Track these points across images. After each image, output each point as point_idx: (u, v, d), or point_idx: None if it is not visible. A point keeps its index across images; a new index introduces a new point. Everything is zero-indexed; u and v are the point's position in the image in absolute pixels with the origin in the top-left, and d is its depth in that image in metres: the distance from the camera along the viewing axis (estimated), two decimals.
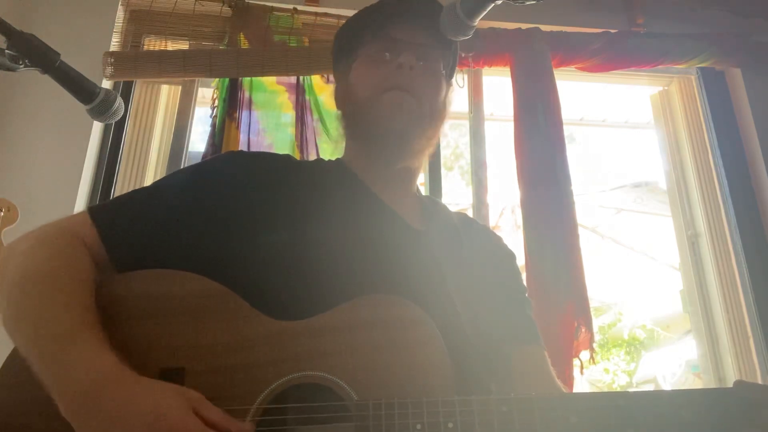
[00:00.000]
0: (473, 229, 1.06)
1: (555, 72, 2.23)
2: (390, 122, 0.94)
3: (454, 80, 1.11)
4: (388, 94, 0.95)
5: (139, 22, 2.18)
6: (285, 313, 0.75)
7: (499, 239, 1.08)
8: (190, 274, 0.79)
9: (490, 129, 2.32)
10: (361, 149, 1.01)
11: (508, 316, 0.96)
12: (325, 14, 2.15)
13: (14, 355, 0.74)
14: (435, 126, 1.00)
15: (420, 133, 0.97)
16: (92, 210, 0.86)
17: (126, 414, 0.63)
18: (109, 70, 1.97)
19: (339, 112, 1.07)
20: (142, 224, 0.86)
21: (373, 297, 0.76)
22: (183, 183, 0.92)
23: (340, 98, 1.06)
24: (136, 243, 0.84)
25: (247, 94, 2.10)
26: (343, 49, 1.07)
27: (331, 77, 2.00)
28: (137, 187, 1.03)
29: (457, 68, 1.10)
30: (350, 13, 1.11)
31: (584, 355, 1.90)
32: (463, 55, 2.13)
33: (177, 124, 2.18)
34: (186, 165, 2.09)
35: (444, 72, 1.03)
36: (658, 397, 0.68)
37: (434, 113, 0.99)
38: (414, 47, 0.97)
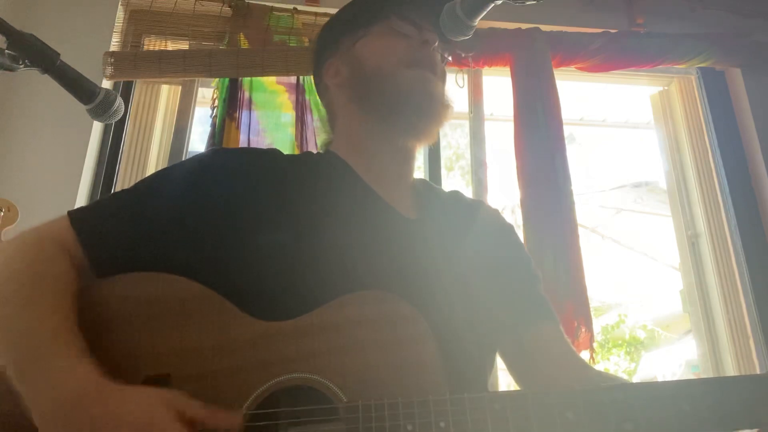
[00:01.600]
0: (468, 208, 1.02)
1: (555, 72, 2.23)
2: (414, 96, 0.92)
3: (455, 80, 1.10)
4: (416, 71, 0.94)
5: (139, 22, 2.18)
6: (272, 314, 0.73)
7: (496, 212, 1.04)
8: (173, 277, 0.77)
9: (490, 129, 2.31)
10: (368, 121, 0.96)
11: (516, 296, 0.92)
12: (325, 14, 2.15)
13: None
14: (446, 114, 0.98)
15: (438, 112, 0.94)
16: (72, 214, 0.83)
17: (106, 428, 0.61)
18: (109, 70, 1.98)
19: (331, 87, 1.02)
20: (124, 229, 0.82)
21: (360, 294, 0.73)
22: (166, 185, 0.88)
23: (341, 71, 1.00)
24: (117, 248, 0.81)
25: (247, 94, 2.10)
26: (349, 24, 1.02)
27: None
28: None
29: (457, 68, 1.10)
30: None
31: (584, 355, 1.90)
32: (463, 55, 2.13)
33: (177, 124, 2.18)
34: None
35: None
36: (656, 388, 0.66)
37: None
38: (436, 34, 0.97)
